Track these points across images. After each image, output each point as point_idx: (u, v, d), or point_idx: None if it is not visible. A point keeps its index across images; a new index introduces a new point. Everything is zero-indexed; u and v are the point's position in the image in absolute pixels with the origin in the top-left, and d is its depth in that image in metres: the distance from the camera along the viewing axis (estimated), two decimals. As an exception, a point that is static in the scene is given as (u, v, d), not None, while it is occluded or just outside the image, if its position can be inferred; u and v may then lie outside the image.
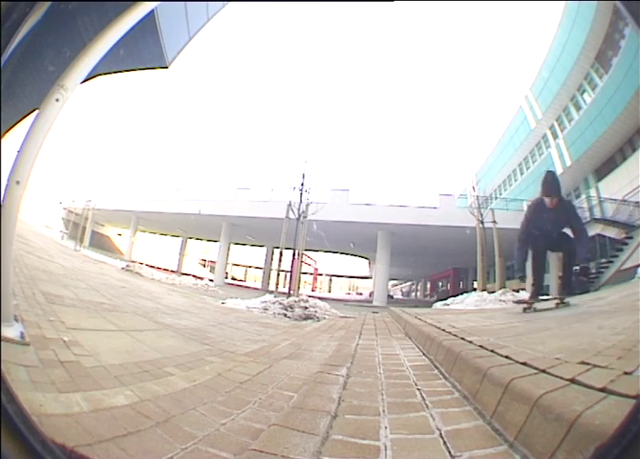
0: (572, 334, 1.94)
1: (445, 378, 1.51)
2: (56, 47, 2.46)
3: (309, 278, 41.62)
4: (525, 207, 4.22)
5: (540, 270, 4.01)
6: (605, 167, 15.54)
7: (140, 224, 24.50)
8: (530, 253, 3.91)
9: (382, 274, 19.27)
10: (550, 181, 3.72)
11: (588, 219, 14.35)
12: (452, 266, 27.90)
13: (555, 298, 3.77)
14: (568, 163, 17.04)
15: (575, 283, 3.98)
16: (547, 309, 3.57)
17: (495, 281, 15.60)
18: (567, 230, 3.81)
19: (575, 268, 3.85)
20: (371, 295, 23.60)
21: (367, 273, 39.58)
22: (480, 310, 6.83)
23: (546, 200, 3.66)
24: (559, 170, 17.90)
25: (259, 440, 0.95)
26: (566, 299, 3.62)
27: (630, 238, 11.36)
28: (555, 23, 17.36)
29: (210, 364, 2.00)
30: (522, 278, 4.19)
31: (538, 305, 3.73)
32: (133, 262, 13.09)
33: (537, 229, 3.80)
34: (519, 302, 4.34)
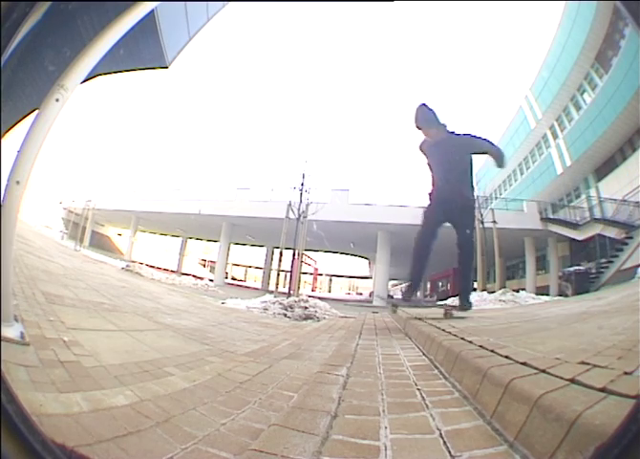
0: (572, 334, 1.94)
1: (445, 378, 1.51)
2: (56, 47, 2.46)
3: (309, 278, 41.63)
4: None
5: (425, 247, 3.19)
6: (605, 167, 15.55)
7: (140, 224, 24.51)
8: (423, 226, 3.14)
9: (382, 274, 19.28)
10: (418, 112, 3.13)
11: (589, 219, 14.37)
12: (452, 266, 27.87)
13: (443, 306, 3.30)
14: (568, 163, 17.04)
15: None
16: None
17: (495, 281, 15.62)
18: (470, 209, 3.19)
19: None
20: (371, 295, 23.60)
21: (367, 273, 39.58)
22: (480, 310, 6.82)
23: (424, 134, 3.13)
24: (559, 170, 17.94)
25: (259, 440, 0.95)
26: (460, 313, 3.10)
27: (630, 238, 11.37)
28: (555, 23, 17.39)
29: (210, 364, 2.00)
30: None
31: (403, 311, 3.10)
32: (133, 262, 13.09)
33: (433, 182, 3.16)
34: (392, 303, 3.61)
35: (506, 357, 1.29)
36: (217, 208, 20.52)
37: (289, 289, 11.99)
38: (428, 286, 38.60)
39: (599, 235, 13.54)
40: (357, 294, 42.73)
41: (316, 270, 42.79)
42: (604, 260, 12.10)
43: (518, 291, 10.76)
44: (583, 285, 10.72)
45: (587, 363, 1.08)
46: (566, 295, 10.78)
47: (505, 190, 24.60)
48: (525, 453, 0.77)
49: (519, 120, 22.18)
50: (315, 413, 1.11)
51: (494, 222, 14.53)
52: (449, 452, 0.84)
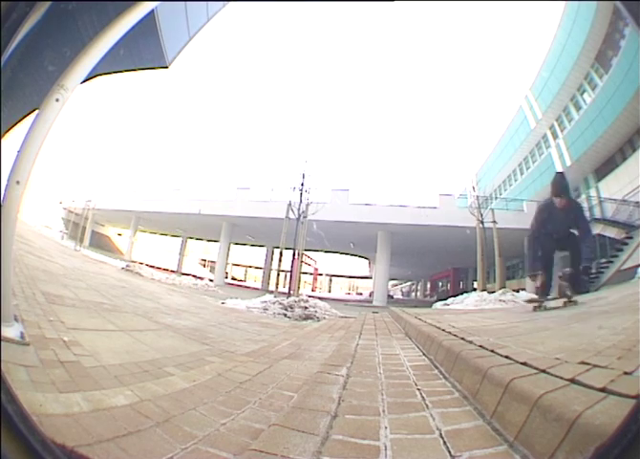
0: (572, 334, 1.94)
1: (445, 378, 1.51)
2: (56, 47, 2.45)
3: (309, 278, 41.61)
4: (535, 208, 4.33)
5: (549, 269, 4.08)
6: (605, 167, 15.54)
7: (140, 224, 24.49)
8: (540, 253, 4.02)
9: (382, 274, 19.27)
10: (559, 182, 3.89)
11: (589, 219, 14.36)
12: (452, 266, 27.88)
13: (562, 297, 3.80)
14: (568, 163, 17.03)
15: (582, 282, 3.98)
16: (557, 308, 3.65)
17: (495, 281, 15.60)
18: (574, 230, 3.89)
19: (570, 269, 3.84)
20: (371, 295, 23.59)
21: (367, 273, 39.56)
22: (480, 310, 6.83)
23: (556, 200, 3.76)
24: (559, 170, 17.92)
25: (259, 440, 0.95)
26: (574, 298, 3.68)
27: (630, 238, 11.36)
28: (555, 23, 17.37)
29: (210, 364, 2.00)
30: (534, 277, 4.08)
31: (547, 304, 3.81)
32: (133, 262, 13.08)
33: (546, 229, 3.92)
34: (530, 301, 4.33)
35: (506, 357, 1.29)
36: (217, 208, 20.52)
37: (289, 289, 11.98)
38: (428, 286, 38.57)
39: (599, 235, 13.53)
40: (357, 294, 42.70)
41: (316, 270, 42.78)
42: (604, 260, 12.09)
43: (518, 291, 10.74)
44: (585, 284, 10.69)
45: (587, 363, 1.08)
46: (566, 295, 10.76)
47: (505, 190, 24.60)
48: (525, 453, 0.77)
49: (519, 120, 22.17)
50: (315, 413, 1.11)
51: (494, 222, 14.50)
52: (449, 452, 0.84)
